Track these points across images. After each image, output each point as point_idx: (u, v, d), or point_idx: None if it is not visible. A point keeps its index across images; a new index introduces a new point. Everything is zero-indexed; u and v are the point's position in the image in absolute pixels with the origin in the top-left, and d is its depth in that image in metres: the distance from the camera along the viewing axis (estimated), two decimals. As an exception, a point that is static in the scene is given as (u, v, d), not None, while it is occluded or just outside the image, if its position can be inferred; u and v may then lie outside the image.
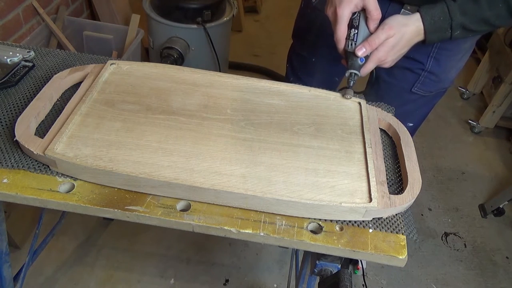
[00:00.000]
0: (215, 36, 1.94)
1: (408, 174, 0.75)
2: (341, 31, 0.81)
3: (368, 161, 0.75)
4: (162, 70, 0.90)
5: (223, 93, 0.87)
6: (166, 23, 1.90)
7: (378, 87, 1.10)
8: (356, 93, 0.91)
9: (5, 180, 0.68)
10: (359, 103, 0.88)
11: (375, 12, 0.79)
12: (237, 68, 2.50)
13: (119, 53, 1.94)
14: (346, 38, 0.82)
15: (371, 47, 0.81)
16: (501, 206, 1.86)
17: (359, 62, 0.83)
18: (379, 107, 0.91)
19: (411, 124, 0.89)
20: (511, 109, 2.29)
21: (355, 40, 0.82)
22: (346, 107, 0.88)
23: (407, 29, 0.80)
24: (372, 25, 0.81)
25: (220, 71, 0.92)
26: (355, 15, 0.81)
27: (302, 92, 0.90)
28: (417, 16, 0.80)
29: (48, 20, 1.79)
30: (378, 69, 1.08)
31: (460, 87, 2.61)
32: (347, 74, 0.84)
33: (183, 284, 1.50)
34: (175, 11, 1.88)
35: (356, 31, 0.82)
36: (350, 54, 0.83)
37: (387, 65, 0.85)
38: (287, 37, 1.30)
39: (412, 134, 1.01)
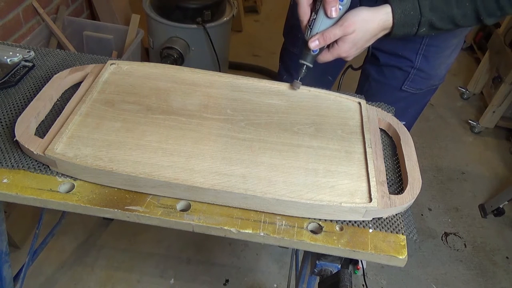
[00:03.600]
0: (215, 36, 1.94)
1: (408, 174, 0.75)
2: (301, 14, 0.79)
3: (368, 161, 0.75)
4: (162, 70, 0.90)
5: (223, 93, 0.87)
6: (166, 23, 1.90)
7: (368, 86, 1.10)
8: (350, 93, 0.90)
9: (5, 180, 0.68)
10: (359, 103, 0.88)
11: None
12: (237, 68, 2.50)
13: (119, 53, 1.94)
14: (307, 22, 0.79)
15: (325, 41, 0.78)
16: (501, 206, 1.86)
17: (312, 52, 0.80)
18: (379, 107, 0.91)
19: (403, 123, 0.90)
20: (511, 109, 2.29)
21: (311, 27, 0.78)
22: (346, 107, 0.88)
23: (371, 24, 0.77)
24: (328, 8, 0.75)
25: (220, 71, 0.92)
26: None
27: (302, 92, 0.90)
28: (386, 9, 0.77)
29: (48, 20, 1.79)
30: (367, 68, 1.09)
31: (460, 87, 2.60)
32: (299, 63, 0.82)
33: (183, 284, 1.50)
34: (175, 11, 1.88)
35: (315, 17, 0.77)
36: (305, 43, 0.80)
37: (348, 59, 0.83)
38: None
39: None
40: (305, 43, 0.80)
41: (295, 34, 1.16)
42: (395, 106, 0.93)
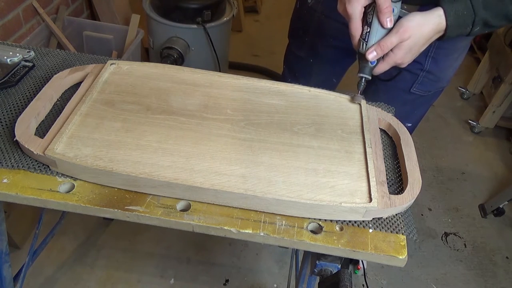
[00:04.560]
0: (215, 36, 1.94)
1: (408, 174, 0.75)
2: (353, 29, 0.78)
3: (368, 161, 0.75)
4: (162, 70, 0.90)
5: (223, 93, 0.86)
6: (166, 23, 1.90)
7: (376, 88, 1.09)
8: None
9: (5, 180, 0.68)
10: (359, 103, 0.88)
11: (383, 4, 0.73)
12: (237, 68, 2.50)
13: (119, 53, 1.94)
14: (360, 36, 0.79)
15: (382, 51, 0.77)
16: (501, 206, 1.86)
17: (370, 64, 0.80)
18: (379, 107, 0.91)
19: (409, 124, 0.88)
20: (511, 109, 2.29)
21: (366, 40, 0.78)
22: (346, 107, 0.88)
23: (425, 28, 0.76)
24: (384, 19, 0.75)
25: (220, 71, 0.92)
26: (370, 9, 0.76)
27: (302, 92, 0.90)
28: (439, 12, 0.76)
29: (48, 20, 1.79)
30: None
31: (460, 87, 2.61)
32: (358, 76, 0.82)
33: (183, 284, 1.50)
34: (175, 11, 1.88)
35: (368, 29, 0.77)
36: (361, 56, 0.80)
37: (403, 65, 0.82)
38: (287, 37, 1.30)
39: (410, 134, 1.02)
40: (361, 56, 0.80)
41: (301, 37, 1.14)
42: (402, 109, 0.92)
